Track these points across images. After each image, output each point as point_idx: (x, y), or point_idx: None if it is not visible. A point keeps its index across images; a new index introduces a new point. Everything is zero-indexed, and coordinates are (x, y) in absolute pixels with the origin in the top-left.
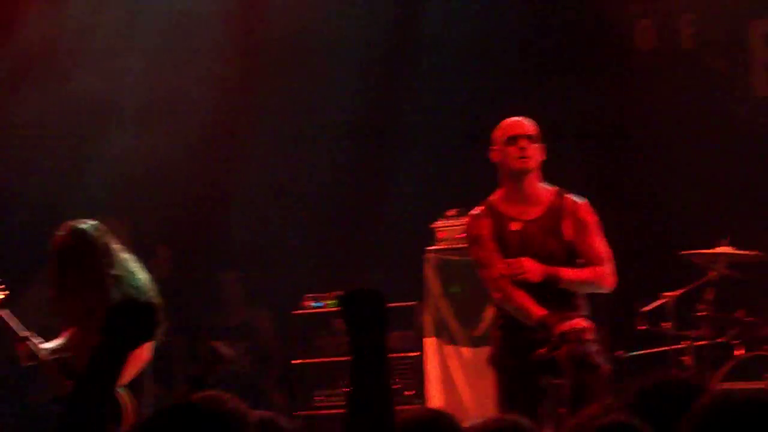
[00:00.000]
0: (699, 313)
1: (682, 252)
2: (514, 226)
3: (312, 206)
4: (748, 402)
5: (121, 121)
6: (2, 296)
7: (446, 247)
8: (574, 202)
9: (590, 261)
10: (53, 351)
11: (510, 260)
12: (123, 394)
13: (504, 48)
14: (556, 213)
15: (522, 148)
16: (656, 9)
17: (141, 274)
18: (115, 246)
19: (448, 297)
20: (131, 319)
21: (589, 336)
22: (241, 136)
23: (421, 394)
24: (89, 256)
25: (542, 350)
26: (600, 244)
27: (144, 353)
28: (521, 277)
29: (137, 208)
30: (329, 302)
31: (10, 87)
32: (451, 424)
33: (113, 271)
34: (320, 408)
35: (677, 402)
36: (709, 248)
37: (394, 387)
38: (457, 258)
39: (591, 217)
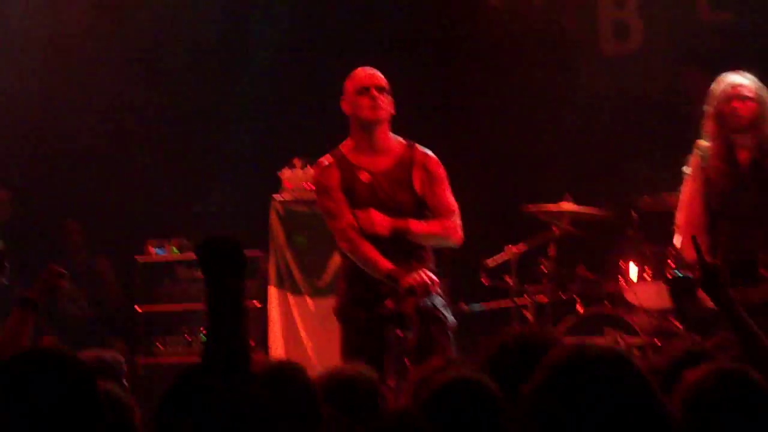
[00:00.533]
0: (541, 269)
1: (527, 206)
2: (364, 177)
3: (156, 148)
4: (599, 353)
5: None
6: None
7: (292, 196)
8: (425, 154)
9: (439, 214)
10: None
11: (358, 212)
12: None
13: None
14: (406, 165)
15: (373, 98)
16: None
17: None
18: None
19: (292, 246)
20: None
21: (435, 289)
22: (83, 75)
23: (264, 344)
24: None
25: (388, 302)
26: (449, 198)
27: None
28: (369, 230)
29: None
30: (173, 249)
31: None
32: (300, 375)
33: None
34: (161, 355)
35: (530, 357)
36: (552, 204)
37: None
38: (302, 208)
39: (440, 170)
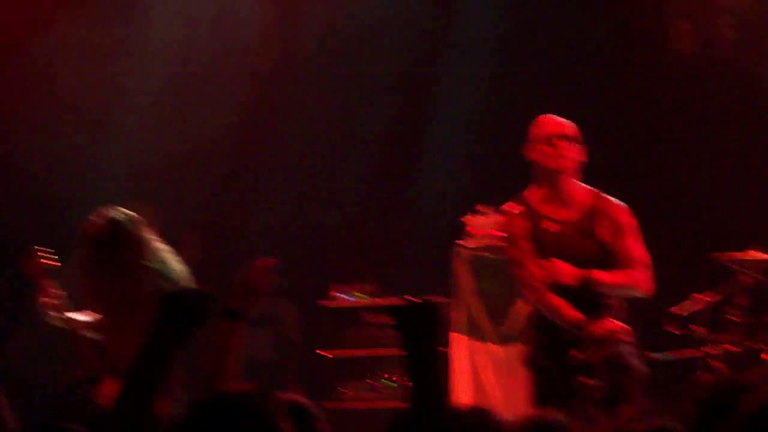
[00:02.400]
0: (730, 318)
1: (714, 254)
2: (551, 227)
3: (343, 197)
4: None
5: (146, 106)
6: (50, 264)
7: (477, 242)
8: (612, 204)
9: (626, 265)
10: (84, 325)
11: (543, 262)
12: None
13: (539, 45)
14: (592, 215)
15: (558, 147)
16: (695, 10)
17: (175, 265)
18: (149, 236)
19: (479, 293)
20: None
21: (623, 337)
22: (273, 126)
23: (448, 390)
24: (123, 249)
25: (576, 351)
26: (637, 248)
27: None
28: (554, 280)
29: (163, 194)
30: (358, 295)
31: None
32: (492, 421)
33: (147, 263)
34: (347, 401)
35: (727, 406)
36: (741, 252)
37: None
38: (487, 254)
39: (628, 220)
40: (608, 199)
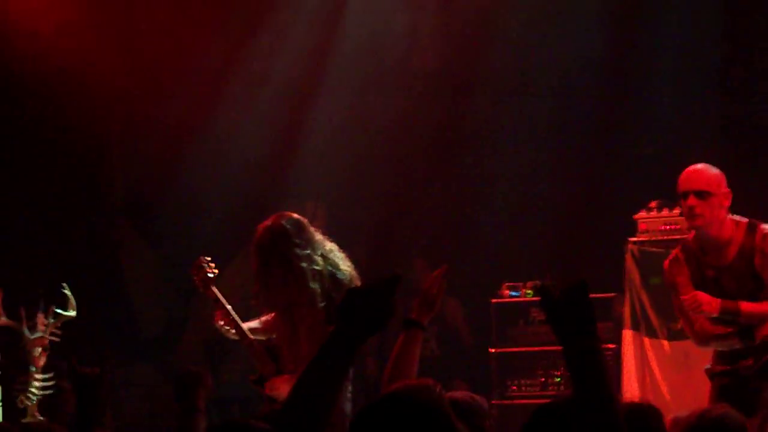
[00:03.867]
0: None
1: None
2: (710, 273)
3: (514, 194)
4: None
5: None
6: (212, 274)
7: (648, 238)
8: (761, 235)
9: None
10: (254, 331)
11: (687, 297)
12: None
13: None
14: (747, 253)
15: (690, 207)
16: None
17: (344, 265)
18: (318, 237)
19: (648, 289)
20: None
21: None
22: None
23: (618, 386)
24: (289, 252)
25: (749, 360)
26: None
27: None
28: (698, 312)
29: (338, 195)
30: (527, 291)
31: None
32: (656, 417)
33: (314, 266)
34: (515, 398)
35: None
36: None
37: None
38: (659, 249)
39: None
40: (758, 231)
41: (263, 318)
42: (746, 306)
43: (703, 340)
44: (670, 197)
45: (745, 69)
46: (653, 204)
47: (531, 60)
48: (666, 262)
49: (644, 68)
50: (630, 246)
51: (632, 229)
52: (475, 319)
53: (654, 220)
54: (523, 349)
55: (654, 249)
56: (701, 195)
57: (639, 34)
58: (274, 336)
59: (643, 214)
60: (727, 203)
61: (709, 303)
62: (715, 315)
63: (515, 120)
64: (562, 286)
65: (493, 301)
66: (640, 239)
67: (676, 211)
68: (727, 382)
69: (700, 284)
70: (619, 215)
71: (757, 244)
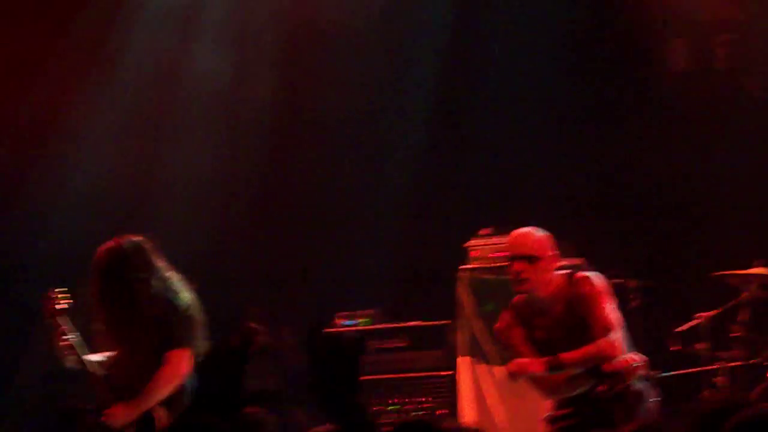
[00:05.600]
0: (733, 334)
1: (717, 273)
2: (539, 335)
3: (346, 223)
4: None
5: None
6: (65, 305)
7: (480, 265)
8: (582, 282)
9: (597, 334)
10: (98, 364)
11: (510, 366)
12: (160, 409)
13: (539, 79)
14: (572, 304)
15: (517, 272)
16: (691, 29)
17: (184, 292)
18: (160, 262)
19: (481, 316)
20: None
21: (640, 371)
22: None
23: (454, 413)
24: (126, 274)
25: (601, 387)
26: (603, 315)
27: (183, 367)
28: (524, 375)
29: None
30: (362, 320)
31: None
32: None
33: (153, 290)
34: None
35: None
36: (743, 269)
37: (427, 405)
38: (490, 277)
39: (595, 289)
40: (579, 280)
41: (108, 350)
42: (568, 356)
43: (553, 390)
44: (501, 224)
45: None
46: (484, 231)
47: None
48: (498, 327)
49: (475, 94)
50: (462, 274)
51: (464, 257)
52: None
53: (485, 248)
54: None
55: (486, 276)
56: (528, 260)
57: (471, 62)
58: (114, 365)
59: (474, 241)
60: (555, 266)
61: (533, 364)
62: (541, 372)
63: (341, 147)
64: None
65: (326, 330)
66: (472, 266)
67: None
68: (569, 425)
69: (532, 343)
70: (451, 243)
71: (576, 292)
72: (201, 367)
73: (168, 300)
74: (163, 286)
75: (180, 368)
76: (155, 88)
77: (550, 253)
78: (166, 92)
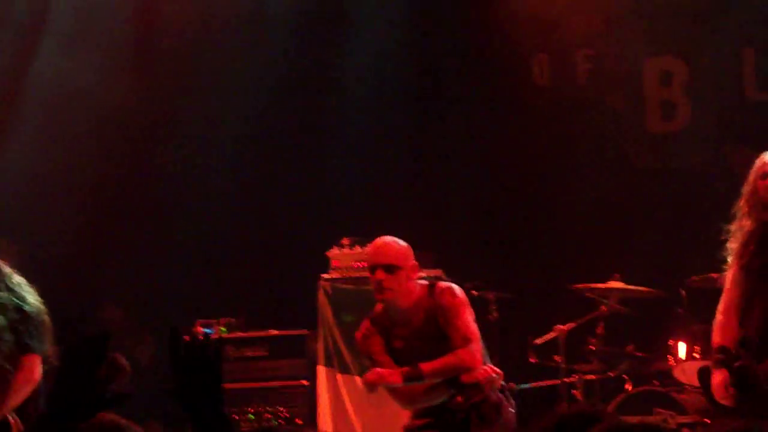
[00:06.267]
0: (590, 347)
1: (574, 286)
2: (398, 344)
3: (206, 229)
4: (635, 429)
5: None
6: None
7: (340, 275)
8: (441, 293)
9: (455, 345)
10: None
11: (369, 376)
12: (12, 418)
13: (400, 83)
14: (432, 316)
15: (378, 281)
16: (553, 44)
17: (32, 299)
18: (6, 270)
19: (341, 325)
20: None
21: (498, 383)
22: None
23: (312, 422)
24: None
25: (458, 398)
26: (463, 326)
27: (35, 374)
28: (383, 386)
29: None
30: (222, 329)
31: None
32: None
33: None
34: None
35: None
36: (601, 283)
37: (285, 414)
38: (350, 286)
39: (455, 300)
40: (438, 291)
41: None
42: (427, 367)
43: (411, 400)
44: (362, 234)
45: (438, 101)
46: (345, 241)
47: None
48: (358, 335)
49: (338, 101)
50: (322, 283)
51: (324, 266)
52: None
53: (346, 257)
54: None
55: (346, 286)
56: (389, 269)
57: (329, 70)
58: None
59: (335, 251)
60: (415, 275)
61: (391, 375)
62: (399, 384)
63: (208, 156)
64: None
65: (187, 338)
66: (333, 276)
67: (368, 248)
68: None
69: (391, 355)
70: (311, 252)
71: (437, 303)
72: (54, 372)
73: (16, 307)
74: (10, 293)
75: (33, 374)
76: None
77: (411, 263)
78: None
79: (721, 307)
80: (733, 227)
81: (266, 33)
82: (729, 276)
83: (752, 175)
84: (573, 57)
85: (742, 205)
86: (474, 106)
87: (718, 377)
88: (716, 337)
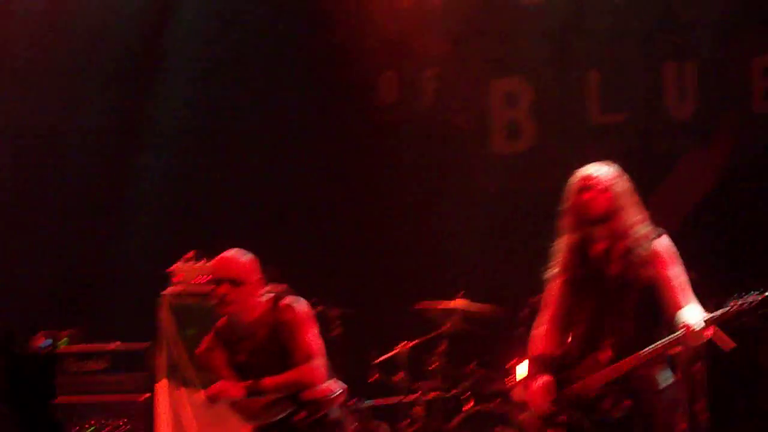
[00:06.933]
0: (431, 366)
1: (418, 304)
2: (241, 358)
3: (49, 241)
4: None
5: None
6: None
7: (184, 289)
8: (285, 309)
9: (298, 360)
10: None
11: (211, 390)
12: None
13: (243, 96)
14: (275, 330)
15: (222, 295)
16: (400, 63)
17: None
18: None
19: (183, 340)
20: None
21: (340, 399)
22: None
23: None
24: None
25: (303, 413)
26: (306, 342)
27: None
28: (224, 398)
29: None
30: (64, 340)
31: None
32: None
33: None
34: None
35: None
36: (445, 301)
37: (124, 428)
38: (194, 300)
39: (298, 316)
40: (282, 306)
41: None
42: (269, 382)
43: (252, 415)
44: (207, 248)
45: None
46: (189, 255)
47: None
48: (201, 349)
49: (182, 120)
50: (166, 296)
51: (167, 280)
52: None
53: (191, 271)
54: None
55: (190, 300)
56: (234, 283)
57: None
58: None
59: (179, 264)
60: (260, 290)
61: (233, 388)
62: (242, 398)
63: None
64: None
65: (22, 348)
66: (176, 290)
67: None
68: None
69: (233, 368)
70: (154, 265)
71: (280, 318)
72: None
73: None
74: None
75: None
76: None
77: (256, 278)
78: None
79: (541, 318)
80: (556, 243)
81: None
82: (552, 289)
83: (570, 192)
84: (420, 76)
85: (564, 221)
86: (321, 124)
87: (536, 383)
88: (537, 347)
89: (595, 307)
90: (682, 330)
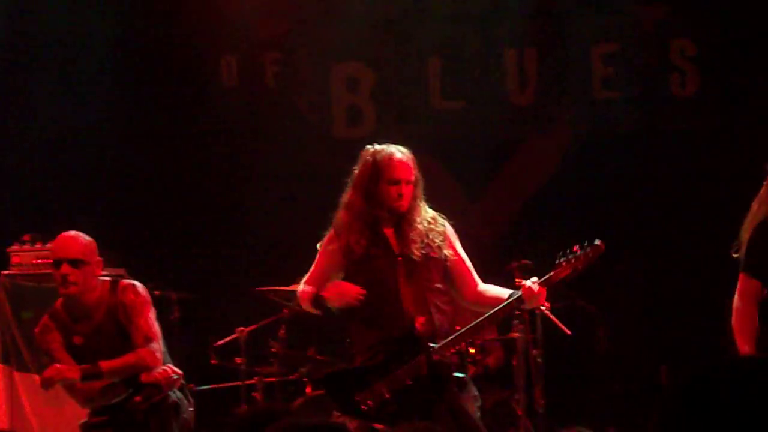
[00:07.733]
0: (271, 350)
1: (258, 288)
2: (77, 340)
3: None
4: (314, 427)
5: None
6: None
7: (20, 272)
8: (124, 290)
9: (136, 343)
10: None
11: (47, 372)
12: None
13: (96, 79)
14: (114, 312)
15: (64, 275)
16: (242, 46)
17: None
18: None
19: (19, 322)
20: None
21: (177, 383)
22: None
23: None
24: None
25: (137, 398)
26: (145, 325)
27: None
28: (60, 380)
29: None
30: None
31: None
32: None
33: None
34: None
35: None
36: (284, 285)
37: None
38: (31, 283)
39: (138, 299)
40: (120, 288)
41: None
42: (107, 365)
43: (89, 397)
44: (44, 231)
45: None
46: (27, 237)
47: None
48: (36, 331)
49: (28, 95)
50: (2, 279)
51: (4, 262)
52: None
53: (27, 254)
54: None
55: (26, 283)
56: (75, 264)
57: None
58: None
59: (16, 247)
60: (99, 271)
61: (69, 371)
62: (77, 381)
63: None
64: None
65: None
66: (12, 272)
67: (50, 245)
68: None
69: (70, 351)
70: None
71: (119, 300)
72: None
73: None
74: None
75: None
76: None
77: (96, 259)
78: None
79: (307, 277)
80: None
81: None
82: (325, 250)
83: (374, 171)
84: (261, 59)
85: (353, 195)
86: (162, 106)
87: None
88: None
89: (391, 282)
90: (519, 292)
